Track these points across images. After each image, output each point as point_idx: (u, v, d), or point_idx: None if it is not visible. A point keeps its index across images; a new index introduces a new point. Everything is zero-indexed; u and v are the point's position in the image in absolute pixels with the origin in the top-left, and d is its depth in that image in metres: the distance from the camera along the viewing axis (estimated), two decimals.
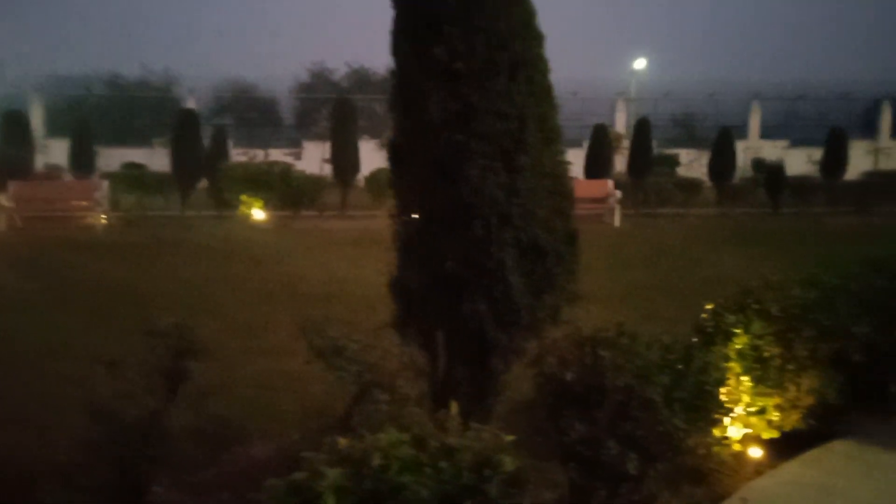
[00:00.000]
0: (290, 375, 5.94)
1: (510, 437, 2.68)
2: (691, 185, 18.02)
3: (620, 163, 20.97)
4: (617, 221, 16.29)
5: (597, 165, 18.88)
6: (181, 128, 18.11)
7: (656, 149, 25.43)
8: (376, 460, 2.58)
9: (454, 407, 2.74)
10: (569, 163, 3.34)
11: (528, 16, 3.08)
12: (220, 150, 19.93)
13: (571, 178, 3.21)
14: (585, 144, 20.48)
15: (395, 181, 3.15)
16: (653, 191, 17.72)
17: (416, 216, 3.09)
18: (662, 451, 3.64)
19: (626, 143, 22.43)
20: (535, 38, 3.10)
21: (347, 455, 2.65)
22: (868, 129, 29.96)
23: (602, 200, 16.95)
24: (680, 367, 3.85)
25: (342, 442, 2.66)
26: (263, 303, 8.87)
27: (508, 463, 2.41)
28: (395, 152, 3.13)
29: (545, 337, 3.45)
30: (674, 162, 25.55)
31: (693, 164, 25.34)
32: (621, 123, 27.24)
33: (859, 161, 25.48)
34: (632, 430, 3.54)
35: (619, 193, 16.72)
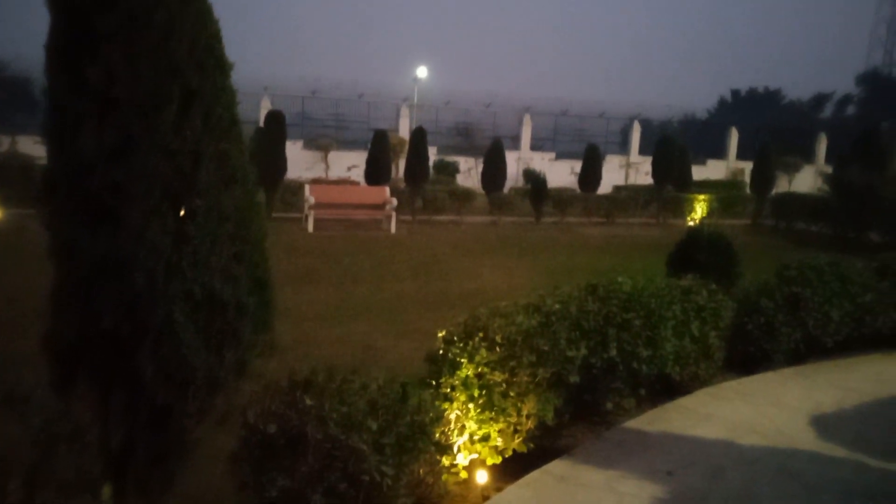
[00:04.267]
0: None
1: None
2: (465, 194, 18.68)
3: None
4: (393, 228, 16.43)
5: (377, 171, 18.91)
6: None
7: (437, 156, 26.21)
8: None
9: (108, 491, 2.39)
10: (260, 203, 3.06)
11: (210, 41, 2.77)
12: None
13: (261, 218, 2.93)
14: None
15: (49, 219, 2.68)
16: (429, 198, 18.13)
17: (70, 261, 2.65)
18: (369, 498, 3.53)
19: (407, 150, 22.78)
20: (219, 66, 2.79)
21: None
22: (624, 144, 33.28)
23: (380, 207, 17.03)
24: (393, 408, 3.77)
25: None
26: None
27: None
28: (48, 184, 2.66)
29: (243, 391, 3.17)
30: (454, 169, 26.49)
31: (471, 171, 26.46)
32: (405, 129, 27.66)
33: (615, 174, 28.19)
34: (337, 481, 3.38)
35: (395, 201, 16.88)
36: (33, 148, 21.91)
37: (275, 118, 17.67)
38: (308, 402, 3.35)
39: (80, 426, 3.55)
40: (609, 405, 5.68)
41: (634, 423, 5.66)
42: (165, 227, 2.58)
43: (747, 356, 7.09)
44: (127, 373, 2.73)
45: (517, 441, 4.91)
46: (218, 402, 2.98)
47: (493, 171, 19.77)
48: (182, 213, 2.64)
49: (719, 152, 32.67)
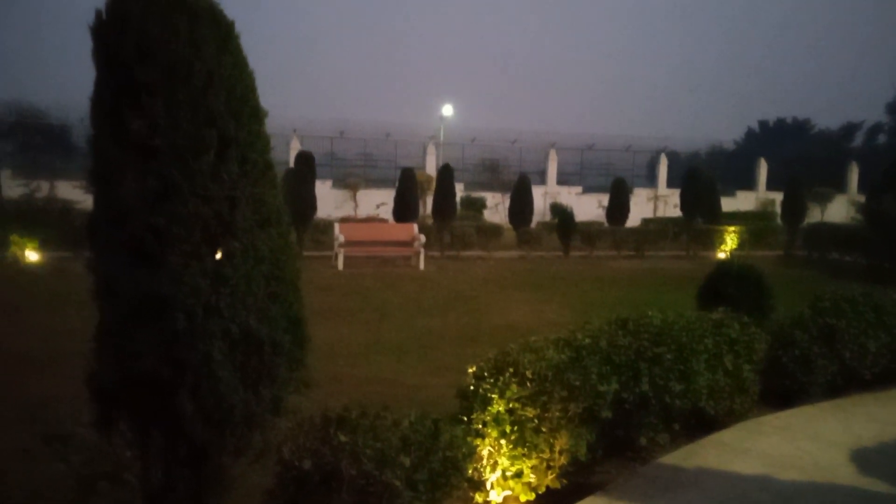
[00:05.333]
0: (27, 454, 5.22)
1: None
2: (493, 230, 18.78)
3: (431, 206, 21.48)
4: (422, 265, 16.54)
5: (405, 209, 19.13)
6: None
7: (464, 192, 26.44)
8: None
9: None
10: (293, 243, 3.15)
11: (245, 91, 2.89)
12: None
13: (294, 258, 3.02)
14: None
15: (91, 261, 2.79)
16: (457, 234, 18.25)
17: (112, 302, 2.75)
18: None
19: (434, 186, 23.05)
20: (254, 114, 2.91)
21: None
22: (651, 177, 33.23)
23: (408, 244, 17.17)
24: (426, 444, 3.79)
25: None
26: (11, 362, 7.83)
27: None
28: (91, 228, 2.78)
29: (279, 428, 3.23)
30: (481, 205, 26.68)
31: (498, 207, 26.61)
32: (432, 166, 27.98)
33: (643, 207, 28.15)
34: None
35: (423, 237, 17.02)
36: (72, 192, 22.60)
37: (304, 159, 18.03)
38: (342, 438, 3.39)
39: (120, 464, 3.64)
40: (643, 440, 5.61)
41: (669, 459, 5.58)
42: (204, 268, 2.68)
43: (783, 390, 6.97)
44: (167, 411, 2.80)
45: (550, 477, 4.87)
46: (254, 439, 3.04)
47: (521, 206, 19.87)
48: (220, 254, 2.73)
49: (749, 183, 32.46)
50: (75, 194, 21.96)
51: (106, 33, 2.77)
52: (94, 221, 2.78)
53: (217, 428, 2.82)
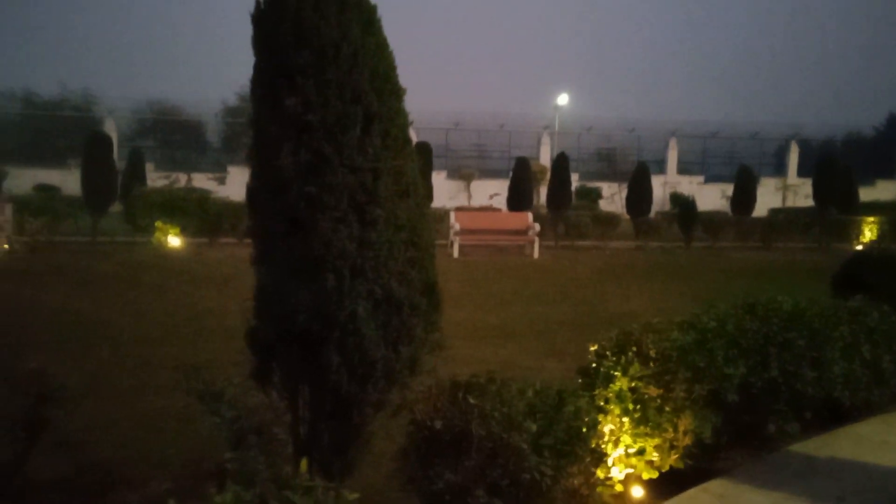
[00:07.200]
0: (179, 415, 5.76)
1: (354, 495, 2.64)
2: (609, 219, 18.50)
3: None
4: (536, 253, 16.57)
5: (519, 198, 19.21)
6: (91, 150, 17.55)
7: (579, 182, 26.15)
8: None
9: (305, 465, 2.70)
10: (428, 213, 3.35)
11: (387, 70, 3.11)
12: (136, 174, 19.44)
13: (430, 227, 3.22)
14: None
15: (251, 228, 3.10)
16: (572, 224, 18.12)
17: (270, 265, 3.04)
18: (530, 497, 3.65)
19: (549, 176, 22.97)
20: (394, 92, 3.12)
21: None
22: (779, 167, 31.55)
23: (522, 232, 17.24)
24: (550, 413, 3.89)
25: None
26: (161, 334, 8.59)
27: None
28: (251, 198, 3.09)
29: (414, 387, 3.44)
30: (596, 195, 26.32)
31: (614, 196, 26.16)
32: (546, 156, 27.84)
33: (770, 197, 26.81)
34: (499, 477, 3.55)
35: (538, 226, 17.03)
36: (206, 183, 24.17)
37: (421, 150, 18.47)
38: (471, 400, 3.55)
39: (267, 419, 3.97)
40: (771, 428, 5.45)
41: (800, 448, 5.40)
42: (351, 233, 2.92)
43: None
44: (315, 364, 3.07)
45: (674, 457, 4.85)
46: (393, 395, 3.26)
47: (638, 195, 19.46)
48: (364, 221, 2.96)
49: (890, 172, 30.14)
50: (209, 185, 23.49)
51: (265, 21, 3.07)
52: (253, 193, 3.08)
53: (360, 382, 3.05)
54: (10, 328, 8.60)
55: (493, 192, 25.56)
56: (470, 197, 26.51)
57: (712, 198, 25.24)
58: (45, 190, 22.59)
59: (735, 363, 5.11)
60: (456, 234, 16.59)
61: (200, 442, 4.69)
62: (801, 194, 26.39)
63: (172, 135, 33.79)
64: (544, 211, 19.34)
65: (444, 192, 25.39)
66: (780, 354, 5.34)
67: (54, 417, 4.30)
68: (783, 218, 20.16)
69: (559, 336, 9.24)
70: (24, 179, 23.62)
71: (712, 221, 18.72)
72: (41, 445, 4.33)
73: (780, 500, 4.53)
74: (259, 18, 3.08)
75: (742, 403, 5.17)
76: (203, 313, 9.79)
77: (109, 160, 18.01)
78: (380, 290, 2.98)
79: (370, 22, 3.11)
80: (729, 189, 21.85)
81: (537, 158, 27.37)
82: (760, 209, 21.42)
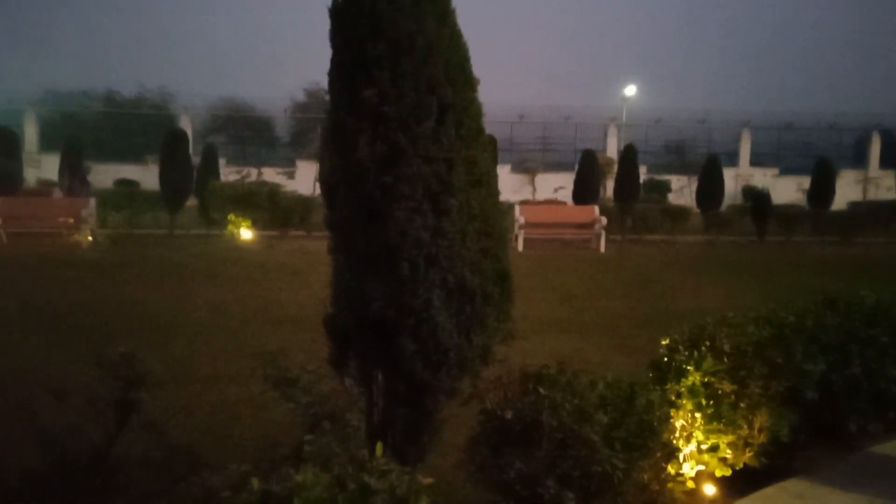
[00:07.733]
0: (254, 402, 5.94)
1: (429, 480, 2.68)
2: (679, 213, 18.09)
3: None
4: (602, 247, 16.35)
5: (585, 191, 18.98)
6: (169, 146, 18.20)
7: (647, 175, 25.63)
8: (296, 502, 2.59)
9: (380, 449, 2.76)
10: (501, 203, 3.37)
11: (461, 60, 3.14)
12: (210, 169, 20.04)
13: (502, 217, 3.23)
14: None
15: (328, 218, 3.18)
16: (639, 217, 17.80)
17: (347, 254, 3.11)
18: (601, 489, 3.64)
19: (616, 169, 22.59)
20: (468, 82, 3.15)
21: (264, 497, 2.66)
22: (858, 158, 30.19)
23: (588, 226, 17.04)
24: (622, 406, 3.86)
25: (255, 482, 2.66)
26: (236, 324, 8.87)
27: None
28: (328, 190, 3.17)
29: (484, 376, 3.47)
30: (665, 188, 25.74)
31: (684, 190, 25.52)
32: (613, 149, 27.40)
33: (849, 190, 25.67)
34: (570, 469, 3.54)
35: (604, 220, 16.80)
36: (276, 178, 24.73)
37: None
38: (542, 391, 3.56)
39: (340, 406, 4.07)
40: (852, 427, 5.26)
41: (882, 449, 5.19)
42: (426, 223, 2.97)
43: None
44: (390, 351, 3.13)
45: (748, 455, 4.73)
46: (465, 383, 3.30)
47: (709, 188, 18.96)
48: (439, 211, 3.00)
49: None
50: (279, 179, 24.03)
51: (342, 15, 3.14)
52: (330, 184, 3.16)
53: (433, 369, 3.10)
54: (96, 316, 9.04)
55: (557, 185, 25.32)
56: (534, 190, 26.33)
57: (787, 191, 24.34)
58: (126, 185, 23.56)
59: (814, 359, 4.95)
60: (521, 227, 16.52)
61: (275, 428, 4.84)
62: (883, 187, 25.25)
63: (243, 131, 34.72)
64: (611, 204, 19.05)
65: (509, 185, 25.30)
66: (862, 351, 5.15)
67: (141, 401, 4.51)
68: (864, 211, 19.29)
69: (626, 331, 9.11)
70: (105, 175, 24.70)
71: (787, 215, 18.07)
72: (129, 427, 4.54)
73: (863, 502, 4.37)
74: (336, 12, 3.15)
75: (821, 401, 5.01)
76: (274, 303, 10.06)
77: (186, 156, 18.65)
78: (453, 278, 3.02)
79: (444, 13, 3.15)
80: (805, 182, 21.03)
81: (604, 151, 26.96)
82: (839, 202, 20.55)
